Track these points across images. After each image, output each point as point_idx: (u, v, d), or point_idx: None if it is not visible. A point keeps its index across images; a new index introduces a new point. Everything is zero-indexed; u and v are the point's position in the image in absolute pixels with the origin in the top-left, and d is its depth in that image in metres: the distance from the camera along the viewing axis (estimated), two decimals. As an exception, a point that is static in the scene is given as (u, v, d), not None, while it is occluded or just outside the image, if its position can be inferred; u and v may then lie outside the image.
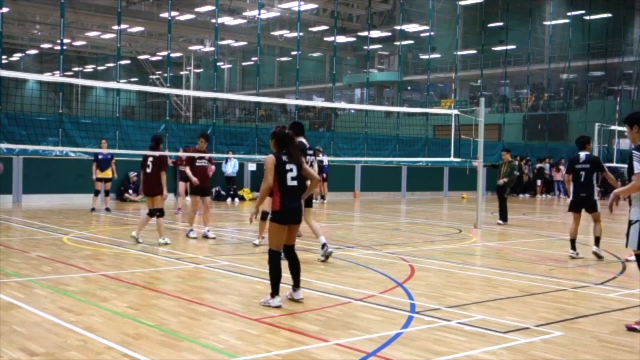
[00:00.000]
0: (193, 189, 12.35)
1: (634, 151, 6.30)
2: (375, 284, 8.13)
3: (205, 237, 12.08)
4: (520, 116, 40.28)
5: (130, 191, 21.37)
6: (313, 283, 8.07)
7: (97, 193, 17.56)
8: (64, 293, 7.20)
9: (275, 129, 7.10)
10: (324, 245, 9.70)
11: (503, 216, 16.39)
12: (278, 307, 6.59)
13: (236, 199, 22.89)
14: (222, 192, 22.94)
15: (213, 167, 13.20)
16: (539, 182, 31.04)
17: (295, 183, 6.88)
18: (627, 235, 6.32)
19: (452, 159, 16.31)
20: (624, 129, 6.80)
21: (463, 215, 19.22)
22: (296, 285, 6.99)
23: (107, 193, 17.84)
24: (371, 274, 8.81)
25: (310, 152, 10.10)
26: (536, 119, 39.66)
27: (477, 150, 15.52)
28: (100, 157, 17.38)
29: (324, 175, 22.63)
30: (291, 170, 6.86)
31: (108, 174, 17.50)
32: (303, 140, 9.88)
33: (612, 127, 22.66)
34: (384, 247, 11.27)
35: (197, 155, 12.35)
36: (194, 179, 12.19)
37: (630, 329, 6.18)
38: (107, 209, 17.46)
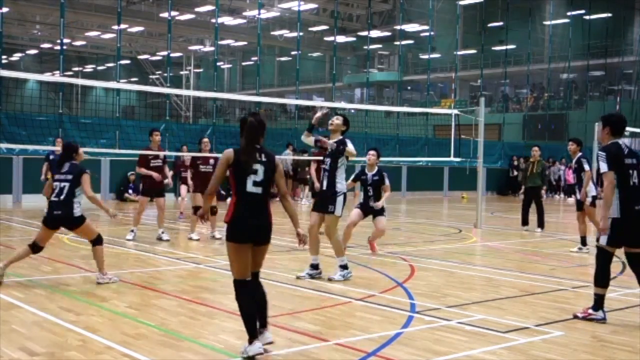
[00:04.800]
0: (145, 190, 11.99)
1: (599, 152, 6.49)
2: (375, 283, 8.13)
3: (159, 239, 11.71)
4: (520, 116, 40.29)
5: (130, 191, 21.36)
6: (313, 282, 8.06)
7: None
8: (64, 293, 7.20)
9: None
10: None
11: (541, 222, 14.56)
12: (259, 354, 5.00)
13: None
14: (222, 192, 22.92)
15: (167, 167, 12.57)
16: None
17: (258, 190, 5.12)
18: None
19: (452, 158, 16.31)
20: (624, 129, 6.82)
21: (463, 215, 19.21)
22: (261, 324, 5.19)
23: None
24: (371, 274, 8.80)
25: None
26: (536, 119, 39.65)
27: (477, 150, 15.52)
28: (51, 157, 15.11)
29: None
30: (255, 172, 5.11)
31: None
32: None
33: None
34: (384, 247, 11.26)
35: (150, 154, 11.86)
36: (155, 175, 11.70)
37: (575, 316, 6.52)
38: None
